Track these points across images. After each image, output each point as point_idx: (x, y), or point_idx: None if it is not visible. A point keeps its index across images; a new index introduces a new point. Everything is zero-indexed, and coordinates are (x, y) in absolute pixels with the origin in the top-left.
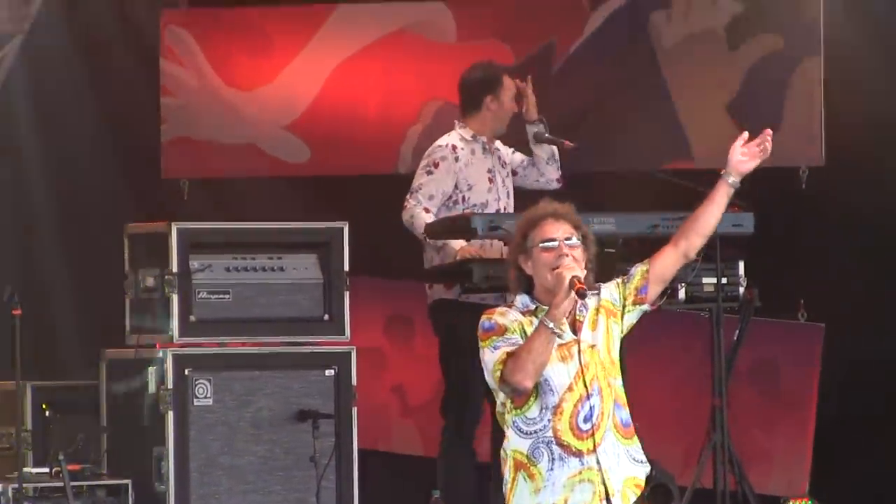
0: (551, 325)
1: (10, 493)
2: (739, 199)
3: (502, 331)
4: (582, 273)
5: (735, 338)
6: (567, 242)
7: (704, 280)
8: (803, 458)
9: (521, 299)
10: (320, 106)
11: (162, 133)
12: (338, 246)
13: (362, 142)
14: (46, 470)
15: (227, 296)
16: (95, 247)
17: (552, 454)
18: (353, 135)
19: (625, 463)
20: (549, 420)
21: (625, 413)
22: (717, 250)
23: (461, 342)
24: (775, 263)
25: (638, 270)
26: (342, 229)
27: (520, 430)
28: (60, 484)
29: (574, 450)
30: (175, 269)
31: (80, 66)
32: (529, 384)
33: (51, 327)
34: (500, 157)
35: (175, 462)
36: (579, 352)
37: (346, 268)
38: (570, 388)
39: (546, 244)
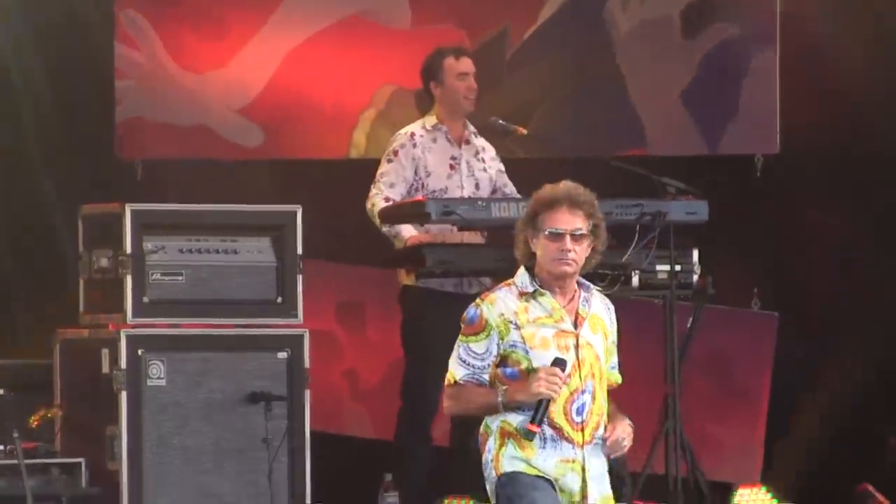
0: (500, 400)
1: None
2: (693, 188)
3: (480, 329)
4: (557, 395)
5: (688, 326)
6: (574, 233)
7: (658, 267)
8: (755, 445)
9: (522, 278)
10: (273, 90)
11: (116, 115)
12: (291, 229)
13: (315, 126)
14: (0, 448)
15: (180, 277)
16: (50, 227)
17: (544, 434)
18: (306, 119)
19: (604, 481)
20: None
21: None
22: (671, 238)
23: (422, 329)
24: (729, 252)
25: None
26: (296, 213)
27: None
28: (15, 462)
29: (567, 435)
30: (129, 251)
31: (35, 48)
32: (450, 416)
33: (5, 307)
34: (477, 152)
35: (128, 442)
36: (577, 346)
37: (300, 251)
38: (567, 376)
39: (553, 232)
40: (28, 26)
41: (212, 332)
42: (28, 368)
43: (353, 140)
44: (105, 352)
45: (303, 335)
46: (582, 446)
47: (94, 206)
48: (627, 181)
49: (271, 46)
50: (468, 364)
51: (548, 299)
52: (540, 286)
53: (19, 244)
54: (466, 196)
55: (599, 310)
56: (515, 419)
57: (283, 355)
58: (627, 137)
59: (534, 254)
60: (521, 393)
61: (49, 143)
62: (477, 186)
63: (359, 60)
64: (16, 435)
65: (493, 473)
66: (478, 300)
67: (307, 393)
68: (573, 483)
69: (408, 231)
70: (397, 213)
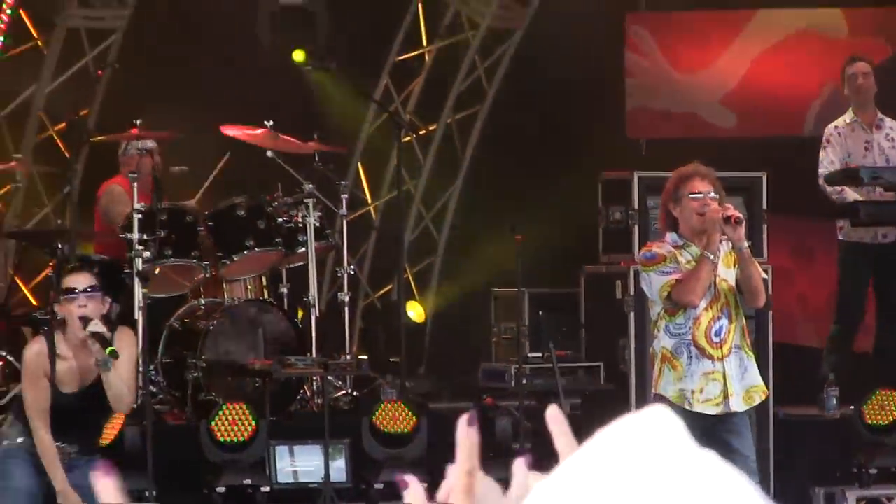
0: (711, 256)
1: (512, 371)
2: None
3: (663, 259)
4: (727, 210)
5: None
6: (709, 196)
7: None
8: None
9: (671, 237)
10: (745, 84)
11: (627, 104)
12: (758, 190)
13: (776, 111)
14: (540, 355)
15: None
16: (575, 189)
17: (690, 353)
18: (769, 106)
19: (747, 375)
20: (690, 327)
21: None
22: None
23: (840, 270)
24: None
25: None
26: (762, 178)
27: (669, 332)
28: (550, 365)
29: (707, 353)
30: (636, 206)
31: (565, 53)
32: (698, 302)
33: (543, 248)
34: (887, 134)
35: (635, 350)
36: (715, 284)
37: (765, 206)
38: (706, 309)
39: (694, 195)
40: (559, 38)
41: None
42: (559, 296)
43: (806, 120)
44: (618, 282)
45: (768, 269)
46: (722, 359)
47: (610, 173)
48: None
49: (743, 53)
50: (671, 272)
51: (693, 249)
52: (686, 241)
53: (551, 202)
54: None
55: (726, 246)
56: (671, 343)
57: None
58: None
59: (675, 220)
60: (711, 243)
61: (577, 124)
62: (887, 161)
63: (809, 64)
64: (551, 345)
65: (653, 390)
66: (645, 248)
67: (770, 313)
68: (715, 389)
69: (851, 195)
70: (839, 178)
